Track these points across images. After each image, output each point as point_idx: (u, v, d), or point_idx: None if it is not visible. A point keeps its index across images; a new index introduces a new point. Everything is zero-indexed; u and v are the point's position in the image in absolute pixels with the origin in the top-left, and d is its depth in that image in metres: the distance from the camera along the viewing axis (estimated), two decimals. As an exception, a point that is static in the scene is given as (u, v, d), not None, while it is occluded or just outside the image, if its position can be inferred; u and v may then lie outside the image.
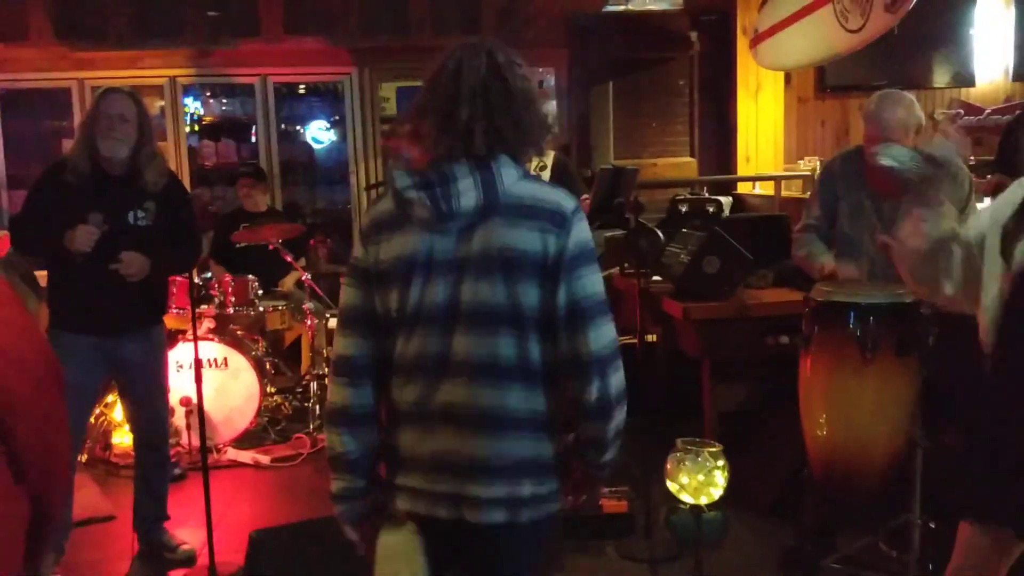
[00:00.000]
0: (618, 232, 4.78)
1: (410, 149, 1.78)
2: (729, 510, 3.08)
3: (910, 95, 3.21)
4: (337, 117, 6.89)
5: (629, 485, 3.77)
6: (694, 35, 6.67)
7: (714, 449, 2.72)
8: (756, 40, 6.20)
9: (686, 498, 2.70)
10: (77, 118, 6.06)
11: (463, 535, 1.79)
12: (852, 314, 2.83)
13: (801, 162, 6.69)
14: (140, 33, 6.11)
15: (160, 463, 3.69)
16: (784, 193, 6.30)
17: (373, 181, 6.30)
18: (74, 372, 3.33)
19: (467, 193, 1.71)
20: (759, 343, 3.82)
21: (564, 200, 1.76)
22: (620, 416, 1.79)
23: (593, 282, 1.74)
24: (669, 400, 4.40)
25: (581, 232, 1.74)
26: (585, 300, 1.72)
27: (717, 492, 2.69)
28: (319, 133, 7.12)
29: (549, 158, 4.66)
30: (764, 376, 4.02)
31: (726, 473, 2.71)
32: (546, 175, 4.53)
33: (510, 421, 1.74)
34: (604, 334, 1.73)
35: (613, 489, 3.71)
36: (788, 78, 6.75)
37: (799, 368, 3.02)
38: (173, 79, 6.19)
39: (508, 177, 1.74)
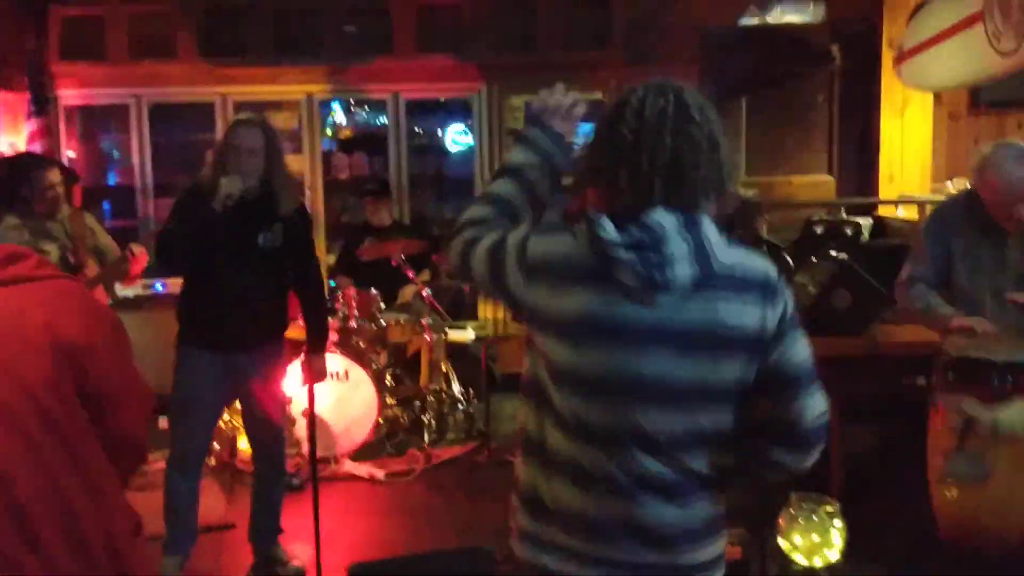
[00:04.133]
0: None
1: (590, 193, 1.60)
2: (848, 568, 2.90)
3: None
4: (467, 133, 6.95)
5: (746, 527, 3.60)
6: (835, 48, 6.38)
7: (831, 508, 2.56)
8: (901, 58, 5.86)
9: (799, 559, 2.55)
10: (220, 131, 6.33)
11: None
12: (990, 371, 2.61)
13: (950, 183, 6.25)
14: (279, 50, 6.33)
15: (277, 477, 3.79)
16: (929, 217, 5.93)
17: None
18: (203, 388, 3.48)
19: (681, 262, 1.52)
20: (894, 384, 3.59)
21: (769, 268, 1.62)
22: None
23: (804, 346, 1.62)
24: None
25: (789, 298, 1.63)
26: (800, 366, 1.61)
27: (833, 554, 2.53)
28: (458, 137, 7.17)
29: None
30: (897, 419, 3.78)
31: (844, 533, 2.55)
32: None
33: (696, 487, 1.63)
34: (820, 403, 1.62)
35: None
36: (938, 94, 6.35)
37: (928, 422, 2.81)
38: (310, 96, 6.38)
39: (716, 242, 1.56)
